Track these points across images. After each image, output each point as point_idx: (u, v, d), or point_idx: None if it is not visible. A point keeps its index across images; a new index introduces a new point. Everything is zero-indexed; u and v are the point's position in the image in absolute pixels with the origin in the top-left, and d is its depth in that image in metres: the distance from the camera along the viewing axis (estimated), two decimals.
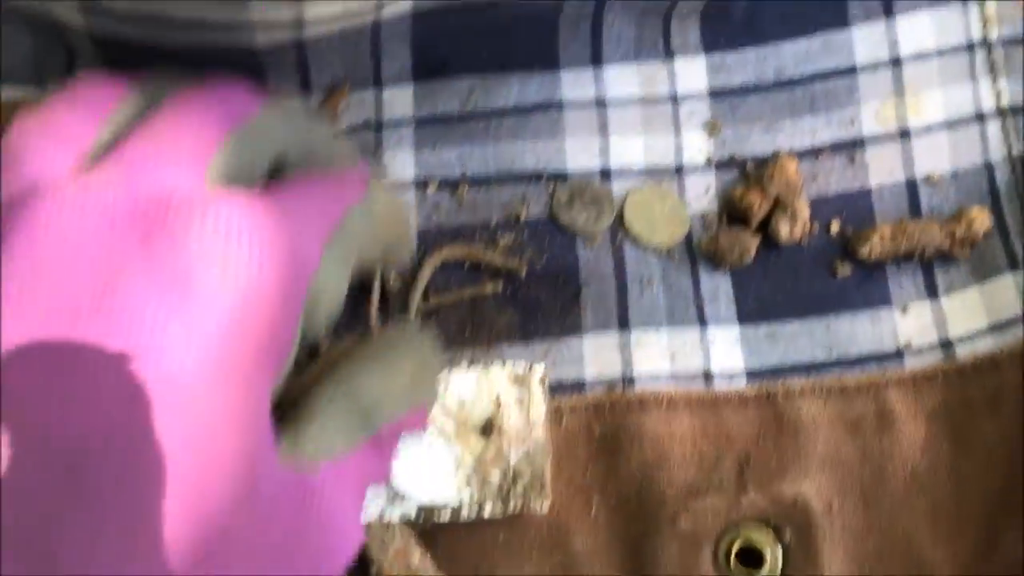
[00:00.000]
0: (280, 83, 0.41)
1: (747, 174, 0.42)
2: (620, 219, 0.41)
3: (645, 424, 0.38)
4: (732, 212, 0.41)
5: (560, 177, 0.42)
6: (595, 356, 0.40)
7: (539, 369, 0.38)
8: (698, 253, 0.41)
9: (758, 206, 0.41)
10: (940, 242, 0.40)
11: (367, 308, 0.39)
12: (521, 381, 0.38)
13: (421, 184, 0.41)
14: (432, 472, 0.37)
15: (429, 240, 0.40)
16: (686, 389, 0.39)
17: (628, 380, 0.39)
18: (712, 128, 0.42)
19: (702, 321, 0.40)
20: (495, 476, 0.37)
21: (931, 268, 0.41)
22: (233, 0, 0.34)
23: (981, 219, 0.40)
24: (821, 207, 0.41)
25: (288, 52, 0.39)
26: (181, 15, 0.35)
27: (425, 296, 0.40)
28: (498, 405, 0.38)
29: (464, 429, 0.37)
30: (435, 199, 0.41)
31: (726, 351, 0.40)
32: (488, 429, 0.37)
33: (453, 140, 0.41)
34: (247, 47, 0.38)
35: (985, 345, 0.40)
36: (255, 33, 0.37)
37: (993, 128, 0.42)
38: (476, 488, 0.37)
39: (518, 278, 0.40)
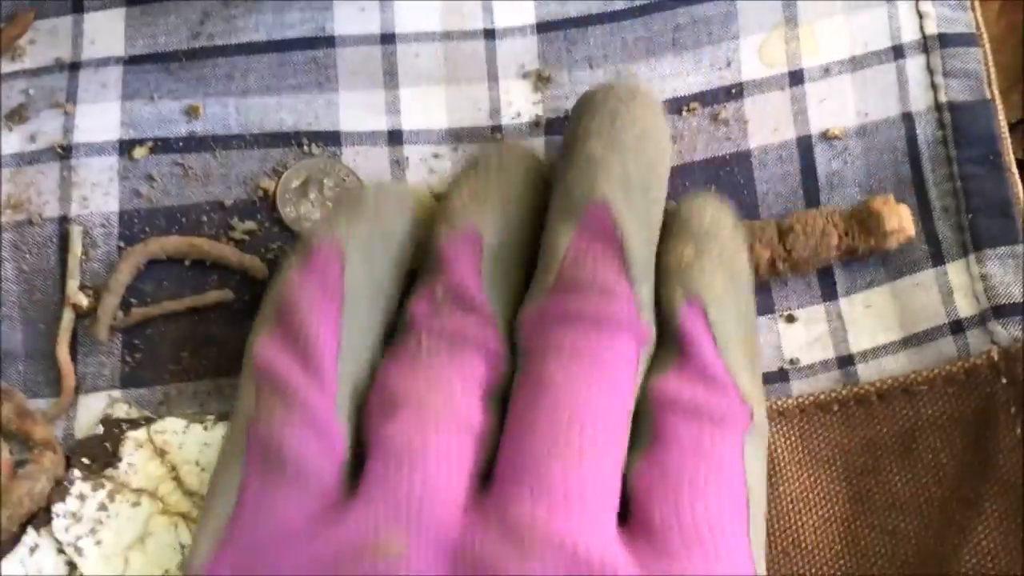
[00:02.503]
0: None
1: None
2: None
3: None
4: None
5: (328, 140, 0.34)
6: None
7: None
8: None
9: None
10: (840, 243, 0.32)
11: (53, 341, 0.32)
12: None
13: (127, 146, 0.34)
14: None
15: (135, 227, 0.34)
16: None
17: None
18: (540, 77, 0.35)
19: None
20: None
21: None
22: None
23: (896, 218, 0.31)
24: (683, 178, 0.34)
25: None
26: None
27: (126, 307, 0.32)
28: None
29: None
30: (146, 167, 0.34)
31: None
32: None
33: (178, 86, 0.35)
34: None
35: (897, 365, 0.33)
36: None
37: (914, 66, 0.34)
38: None
39: (258, 282, 0.32)
